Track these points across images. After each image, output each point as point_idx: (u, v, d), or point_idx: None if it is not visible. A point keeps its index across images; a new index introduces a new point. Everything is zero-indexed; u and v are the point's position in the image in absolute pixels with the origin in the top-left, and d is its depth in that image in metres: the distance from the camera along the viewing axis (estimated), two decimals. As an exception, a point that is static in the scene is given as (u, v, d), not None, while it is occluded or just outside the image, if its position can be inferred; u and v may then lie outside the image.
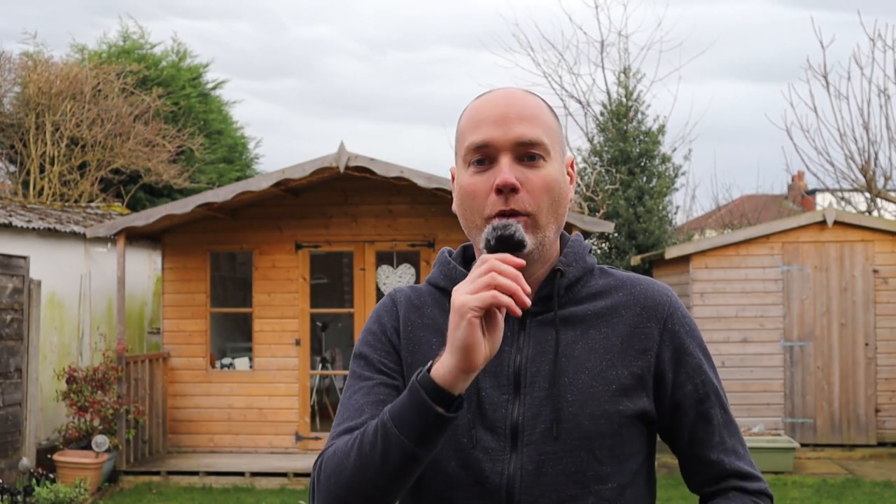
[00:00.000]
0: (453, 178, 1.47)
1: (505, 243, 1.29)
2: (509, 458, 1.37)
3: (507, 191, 1.36)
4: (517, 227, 1.30)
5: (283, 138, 48.55)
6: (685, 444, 1.47)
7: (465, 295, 1.21)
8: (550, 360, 1.40)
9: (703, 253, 10.07)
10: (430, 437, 1.25)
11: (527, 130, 1.38)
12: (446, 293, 1.44)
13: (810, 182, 24.04)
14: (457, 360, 1.22)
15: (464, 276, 1.36)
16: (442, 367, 1.24)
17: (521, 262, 1.24)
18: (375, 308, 1.54)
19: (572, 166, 1.49)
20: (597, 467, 1.37)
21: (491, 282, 1.21)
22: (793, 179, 24.35)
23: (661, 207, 14.91)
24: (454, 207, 1.46)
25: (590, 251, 1.51)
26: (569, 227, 8.53)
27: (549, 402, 1.38)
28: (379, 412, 1.33)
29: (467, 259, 1.53)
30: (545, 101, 1.47)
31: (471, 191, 1.39)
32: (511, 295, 1.20)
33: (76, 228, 9.94)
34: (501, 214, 1.36)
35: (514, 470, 1.36)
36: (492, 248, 1.29)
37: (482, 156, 1.39)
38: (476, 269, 1.23)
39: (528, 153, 1.38)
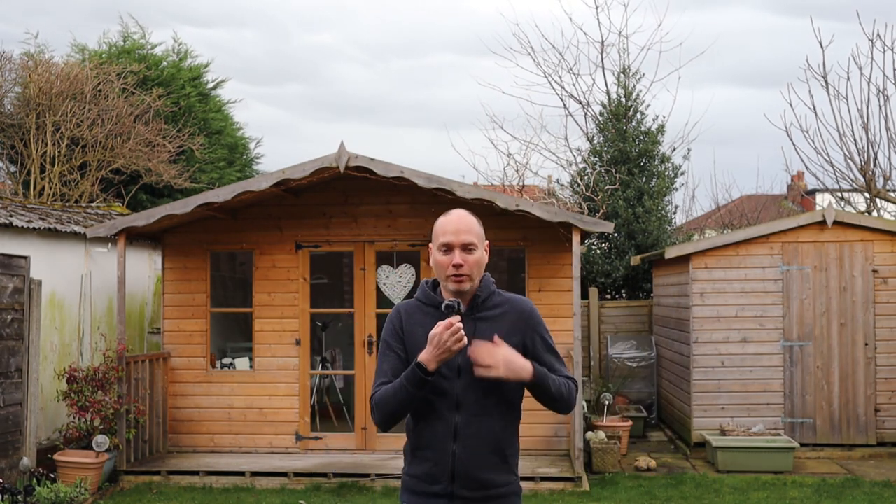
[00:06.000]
0: (430, 251, 2.96)
1: (451, 310, 2.77)
2: (457, 381, 2.84)
3: (457, 267, 2.83)
4: (456, 303, 2.78)
5: (288, 142, 48.77)
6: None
7: (455, 345, 2.70)
8: (472, 335, 2.85)
9: (702, 253, 10.08)
10: (422, 386, 2.76)
11: (466, 238, 2.85)
12: (426, 304, 2.96)
13: (810, 182, 24.06)
14: (437, 363, 2.74)
15: (440, 296, 2.94)
16: (428, 361, 2.75)
17: (459, 320, 2.71)
18: (389, 316, 3.00)
19: (488, 247, 2.93)
20: (496, 384, 2.80)
21: (459, 338, 2.70)
22: (792, 179, 24.35)
23: (660, 207, 14.89)
24: (431, 264, 2.92)
25: (493, 283, 2.98)
26: (568, 228, 8.65)
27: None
28: (396, 374, 2.86)
29: (434, 286, 2.99)
30: (475, 217, 2.92)
31: (440, 263, 2.88)
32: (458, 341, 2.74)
33: (76, 228, 9.94)
34: (454, 275, 2.85)
35: (459, 387, 2.84)
36: (447, 309, 2.77)
37: (447, 249, 2.87)
38: (450, 331, 2.70)
39: (467, 248, 2.85)
